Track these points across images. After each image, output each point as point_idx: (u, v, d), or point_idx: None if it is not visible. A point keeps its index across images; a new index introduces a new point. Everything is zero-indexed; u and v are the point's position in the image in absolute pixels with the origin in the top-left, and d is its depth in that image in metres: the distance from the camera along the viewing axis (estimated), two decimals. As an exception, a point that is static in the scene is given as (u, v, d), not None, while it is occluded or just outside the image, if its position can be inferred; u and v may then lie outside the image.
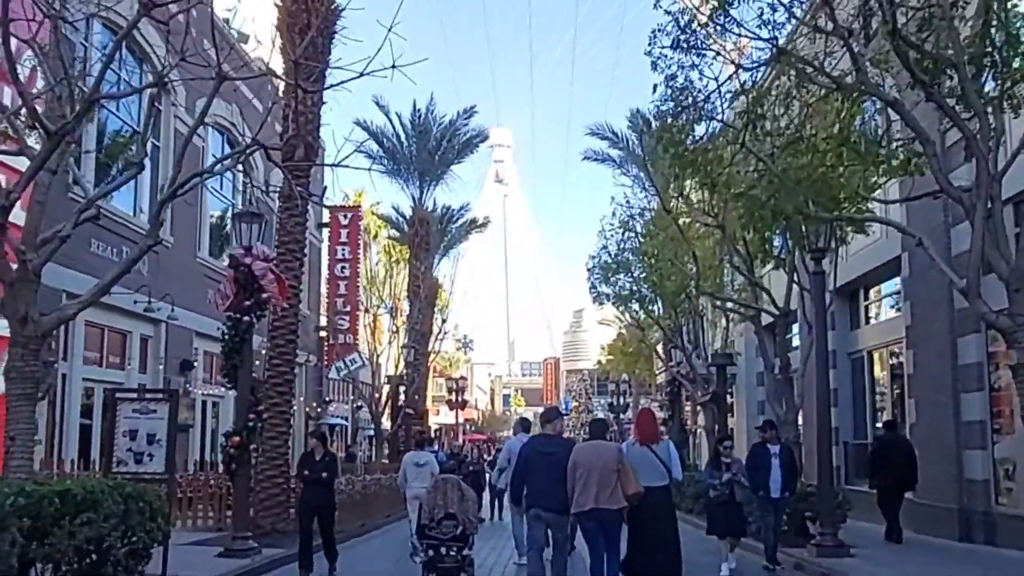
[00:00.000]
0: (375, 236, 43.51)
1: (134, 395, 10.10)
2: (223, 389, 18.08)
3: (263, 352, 15.85)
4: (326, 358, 32.30)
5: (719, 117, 10.11)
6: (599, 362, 75.52)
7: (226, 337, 12.27)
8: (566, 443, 9.17)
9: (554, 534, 8.66)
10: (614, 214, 22.19)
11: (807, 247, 12.93)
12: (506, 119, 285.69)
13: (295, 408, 28.45)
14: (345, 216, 33.47)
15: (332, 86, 9.14)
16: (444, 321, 35.13)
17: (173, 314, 17.70)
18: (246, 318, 12.13)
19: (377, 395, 25.54)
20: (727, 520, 11.08)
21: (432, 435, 20.53)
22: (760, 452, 11.89)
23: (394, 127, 30.65)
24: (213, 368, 20.98)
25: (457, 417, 50.40)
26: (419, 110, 30.81)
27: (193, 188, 10.04)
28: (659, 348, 29.95)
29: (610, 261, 22.05)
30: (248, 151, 8.57)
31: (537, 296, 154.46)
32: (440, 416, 65.97)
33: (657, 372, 39.01)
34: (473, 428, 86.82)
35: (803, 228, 12.55)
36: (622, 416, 43.58)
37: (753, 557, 12.16)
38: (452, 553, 8.42)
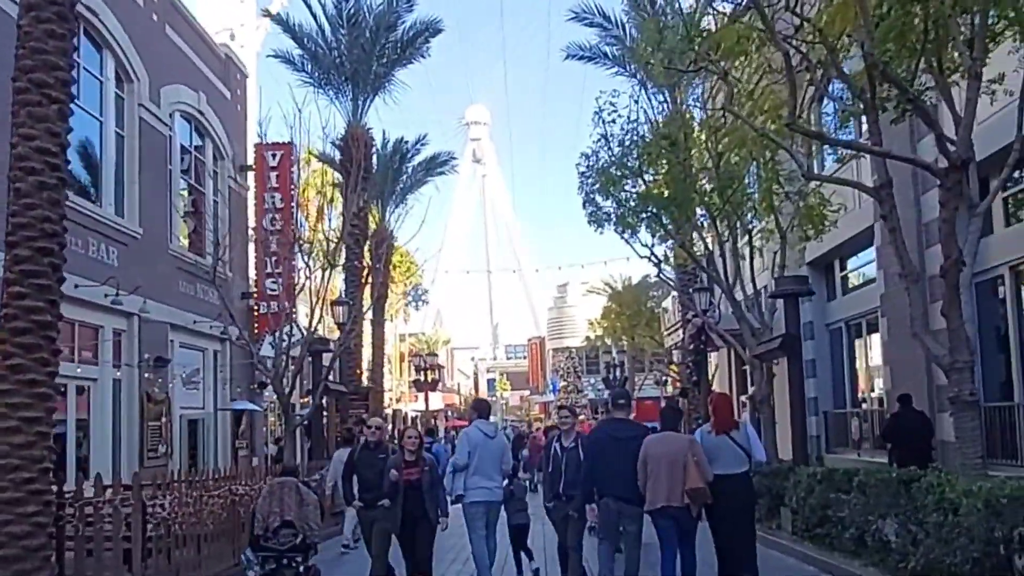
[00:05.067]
0: (332, 200, 36.46)
1: None
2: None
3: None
4: (256, 331, 25.56)
5: None
6: (587, 338, 70.14)
7: None
8: (643, 429, 8.55)
9: (626, 527, 8.13)
10: (615, 94, 15.15)
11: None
12: (481, 96, 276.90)
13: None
14: (274, 155, 26.44)
15: None
16: (383, 268, 27.74)
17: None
18: None
19: (291, 368, 18.18)
20: None
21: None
22: None
23: (315, 17, 23.27)
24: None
25: (428, 401, 43.17)
26: (345, -11, 23.33)
27: None
28: (670, 301, 22.99)
29: (611, 159, 15.01)
30: None
31: (518, 272, 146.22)
32: (419, 403, 60.13)
33: (667, 332, 31.58)
34: (455, 415, 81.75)
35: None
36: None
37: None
38: (294, 565, 7.78)
